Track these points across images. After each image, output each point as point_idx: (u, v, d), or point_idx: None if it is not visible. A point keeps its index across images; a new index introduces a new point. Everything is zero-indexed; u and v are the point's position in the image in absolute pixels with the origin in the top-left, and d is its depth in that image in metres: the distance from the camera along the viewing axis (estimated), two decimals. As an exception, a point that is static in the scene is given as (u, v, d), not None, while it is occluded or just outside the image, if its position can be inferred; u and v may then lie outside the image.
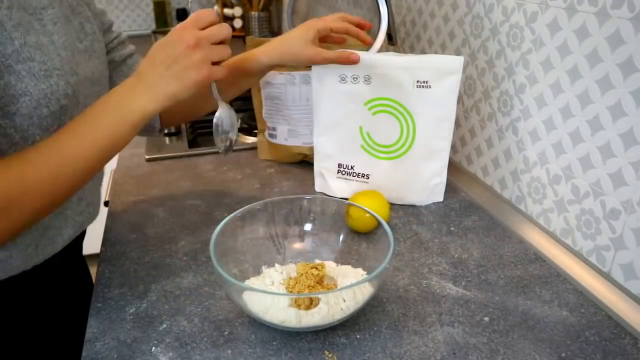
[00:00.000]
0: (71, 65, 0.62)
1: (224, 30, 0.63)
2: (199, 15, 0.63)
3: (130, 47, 0.88)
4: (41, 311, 0.72)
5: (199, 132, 1.26)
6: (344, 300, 0.59)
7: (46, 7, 0.61)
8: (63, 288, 0.77)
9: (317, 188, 0.95)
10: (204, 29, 0.62)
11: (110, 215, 0.86)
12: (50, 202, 0.58)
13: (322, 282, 0.65)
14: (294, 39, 0.79)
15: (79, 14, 0.68)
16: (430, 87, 0.82)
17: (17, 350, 0.68)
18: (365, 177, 0.90)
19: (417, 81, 0.82)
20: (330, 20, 0.82)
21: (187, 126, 1.22)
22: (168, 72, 0.61)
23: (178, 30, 0.62)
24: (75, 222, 0.70)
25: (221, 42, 0.63)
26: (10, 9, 0.55)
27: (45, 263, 0.67)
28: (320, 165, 0.93)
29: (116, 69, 0.82)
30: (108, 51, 0.80)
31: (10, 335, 0.68)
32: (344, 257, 0.71)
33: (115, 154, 0.63)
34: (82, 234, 0.79)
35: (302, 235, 0.74)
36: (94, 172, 0.61)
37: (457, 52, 0.98)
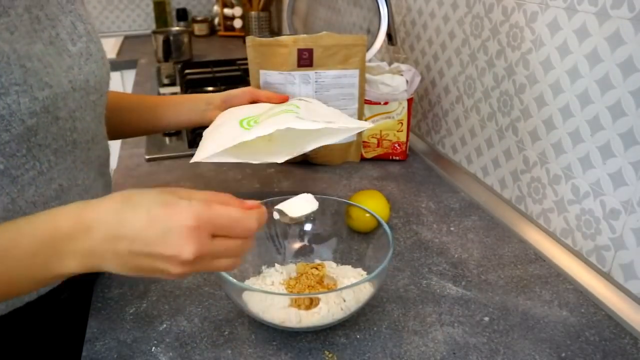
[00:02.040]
0: (40, 77, 0.53)
1: (246, 246, 0.47)
2: (232, 220, 0.45)
3: None
4: (41, 311, 0.72)
5: (199, 132, 1.26)
6: (344, 300, 0.59)
7: None
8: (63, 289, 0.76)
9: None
10: (223, 236, 0.45)
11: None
12: None
13: (322, 282, 0.65)
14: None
15: (69, 12, 0.62)
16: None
17: (17, 349, 0.68)
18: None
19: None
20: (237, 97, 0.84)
21: (187, 126, 1.22)
22: (130, 260, 0.44)
23: (187, 221, 0.43)
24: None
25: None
26: None
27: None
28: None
29: None
30: None
31: (10, 334, 0.67)
32: (344, 257, 0.71)
33: (4, 299, 0.49)
34: None
35: (302, 235, 0.74)
36: None
37: (457, 52, 0.98)
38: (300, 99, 0.84)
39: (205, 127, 0.82)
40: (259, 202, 0.50)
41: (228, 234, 0.46)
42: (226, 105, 0.84)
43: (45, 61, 0.56)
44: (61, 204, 0.62)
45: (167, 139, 1.18)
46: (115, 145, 1.16)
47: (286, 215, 0.63)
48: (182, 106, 0.86)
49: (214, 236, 0.45)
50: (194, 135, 1.19)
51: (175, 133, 1.20)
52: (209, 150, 0.70)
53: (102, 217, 0.44)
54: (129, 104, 0.87)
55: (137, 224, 0.43)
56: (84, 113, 0.63)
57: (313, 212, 0.65)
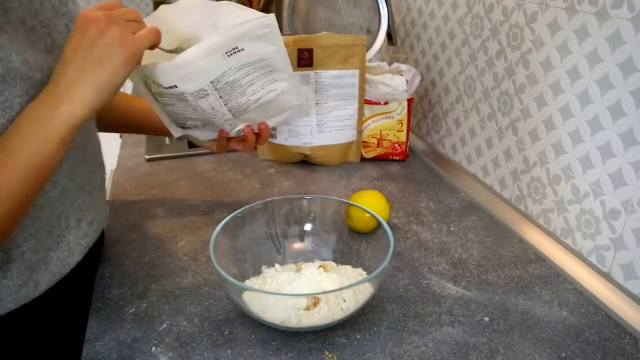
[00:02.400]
0: (42, 87, 0.55)
1: (132, 11, 0.57)
2: (103, 2, 0.56)
3: None
4: (41, 311, 0.72)
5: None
6: (344, 300, 0.59)
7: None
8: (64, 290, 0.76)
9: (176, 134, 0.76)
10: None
11: (110, 215, 0.86)
12: None
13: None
14: None
15: (63, 14, 0.63)
16: (242, 50, 0.67)
17: (17, 349, 0.68)
18: None
19: (226, 52, 0.65)
20: None
21: (187, 126, 1.22)
22: (86, 61, 0.51)
23: (82, 15, 0.53)
24: (80, 245, 0.66)
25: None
26: None
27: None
28: None
29: None
30: None
31: (11, 334, 0.67)
32: (344, 257, 0.71)
33: (48, 177, 0.53)
34: (101, 237, 0.76)
35: (302, 235, 0.74)
36: (29, 201, 0.53)
37: (457, 52, 0.98)
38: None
39: None
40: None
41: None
42: None
43: (48, 70, 0.56)
44: (63, 203, 0.63)
45: (167, 139, 1.18)
46: (115, 145, 1.17)
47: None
48: None
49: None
50: (194, 135, 1.19)
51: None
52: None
53: (57, 68, 0.53)
54: (138, 109, 0.85)
55: (69, 49, 0.53)
56: None
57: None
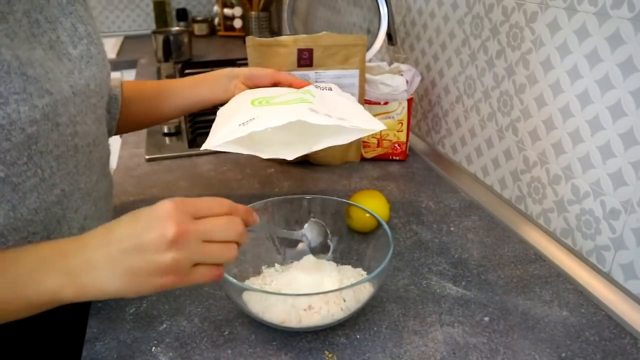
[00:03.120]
0: (40, 85, 0.53)
1: (235, 226, 0.47)
2: (208, 201, 0.47)
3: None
4: (40, 313, 0.72)
5: (199, 132, 1.26)
6: (344, 300, 0.59)
7: None
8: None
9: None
10: (205, 216, 0.46)
11: (111, 213, 0.86)
12: None
13: None
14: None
15: (70, 13, 0.61)
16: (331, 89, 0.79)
17: (17, 349, 0.68)
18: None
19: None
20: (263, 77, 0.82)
21: (187, 126, 1.22)
22: (122, 260, 0.44)
23: (168, 207, 0.45)
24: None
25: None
26: None
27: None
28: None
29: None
30: None
31: (11, 334, 0.67)
32: (344, 257, 0.71)
33: None
34: None
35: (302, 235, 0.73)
36: None
37: (457, 52, 0.98)
38: (318, 86, 0.81)
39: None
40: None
41: (210, 214, 0.47)
42: (250, 83, 0.82)
43: (47, 67, 0.56)
44: (63, 209, 0.62)
45: (167, 139, 1.18)
46: (115, 145, 1.16)
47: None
48: (203, 85, 0.84)
49: (197, 218, 0.46)
50: (194, 135, 1.19)
51: (175, 133, 1.21)
52: (218, 137, 0.69)
53: (95, 232, 0.47)
54: (150, 91, 0.86)
55: (123, 225, 0.46)
56: (85, 117, 0.62)
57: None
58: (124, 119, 0.83)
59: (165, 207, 0.45)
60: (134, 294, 0.46)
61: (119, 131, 0.86)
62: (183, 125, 1.23)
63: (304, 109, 0.67)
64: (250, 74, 0.82)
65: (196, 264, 0.46)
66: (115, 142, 1.18)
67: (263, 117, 0.67)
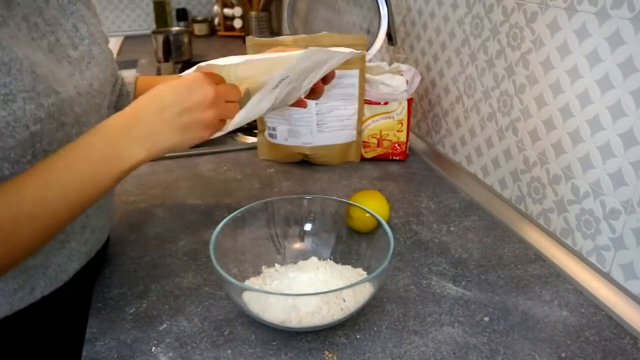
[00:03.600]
0: (49, 84, 0.54)
1: (236, 91, 0.59)
2: (212, 73, 0.58)
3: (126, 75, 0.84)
4: (42, 311, 0.72)
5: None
6: (344, 300, 0.59)
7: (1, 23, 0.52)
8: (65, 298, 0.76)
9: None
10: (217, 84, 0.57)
11: (112, 211, 0.86)
12: (38, 237, 0.53)
13: None
14: None
15: (71, 14, 0.62)
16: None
17: (17, 349, 0.68)
18: None
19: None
20: None
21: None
22: (176, 121, 0.54)
23: (197, 79, 0.55)
24: (80, 253, 0.65)
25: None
26: None
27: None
28: None
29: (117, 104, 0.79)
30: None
31: (11, 334, 0.67)
32: (344, 257, 0.71)
33: (89, 205, 0.55)
34: (106, 244, 0.76)
35: (302, 235, 0.74)
36: (68, 222, 0.54)
37: (457, 52, 0.98)
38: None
39: None
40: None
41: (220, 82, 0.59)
42: None
43: (50, 68, 0.56)
44: None
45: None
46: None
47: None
48: None
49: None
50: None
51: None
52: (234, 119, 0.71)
53: (143, 106, 0.54)
54: None
55: (168, 95, 0.54)
56: (90, 117, 0.62)
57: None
58: None
59: (198, 76, 0.56)
60: (187, 145, 0.56)
61: None
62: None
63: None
64: None
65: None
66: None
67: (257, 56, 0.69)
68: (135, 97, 0.83)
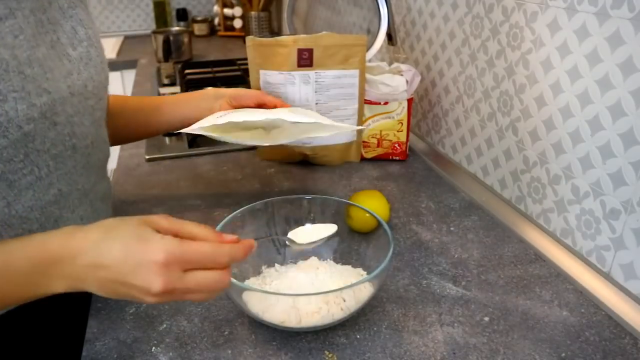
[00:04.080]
0: (39, 84, 0.54)
1: (221, 282, 0.49)
2: (204, 253, 0.48)
3: None
4: (40, 313, 0.72)
5: (199, 132, 1.26)
6: (344, 300, 0.59)
7: (4, 18, 0.52)
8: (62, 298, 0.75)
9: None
10: (196, 268, 0.48)
11: (110, 216, 0.86)
12: None
13: None
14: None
15: (70, 17, 0.62)
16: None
17: (17, 350, 0.68)
18: None
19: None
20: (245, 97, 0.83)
21: (187, 126, 1.22)
22: (108, 287, 0.48)
23: (157, 256, 0.46)
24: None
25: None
26: None
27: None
28: None
29: None
30: None
31: (11, 334, 0.67)
32: (344, 257, 0.71)
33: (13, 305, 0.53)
34: None
35: (302, 235, 0.73)
36: None
37: (457, 52, 0.98)
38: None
39: None
40: (237, 237, 0.51)
41: (200, 268, 0.48)
42: (236, 103, 0.82)
43: (46, 66, 0.56)
44: (60, 208, 0.61)
45: (167, 139, 1.18)
46: (115, 146, 1.16)
47: (295, 242, 0.67)
48: (189, 103, 0.85)
49: (185, 270, 0.48)
50: (194, 135, 1.19)
51: (176, 133, 1.20)
52: (202, 122, 0.76)
53: (86, 247, 0.48)
54: (133, 106, 0.86)
55: (115, 256, 0.47)
56: (83, 118, 0.62)
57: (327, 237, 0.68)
58: (113, 131, 0.82)
59: (156, 259, 0.46)
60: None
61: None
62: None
63: (283, 111, 0.73)
64: (236, 94, 0.83)
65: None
66: (115, 142, 1.19)
67: (241, 113, 0.73)
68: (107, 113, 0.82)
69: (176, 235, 0.48)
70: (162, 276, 0.46)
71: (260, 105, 0.84)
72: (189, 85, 1.49)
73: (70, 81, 0.60)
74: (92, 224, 0.50)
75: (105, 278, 0.47)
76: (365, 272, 0.67)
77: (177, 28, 2.19)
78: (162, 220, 0.50)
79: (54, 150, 0.58)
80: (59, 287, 0.49)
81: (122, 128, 0.83)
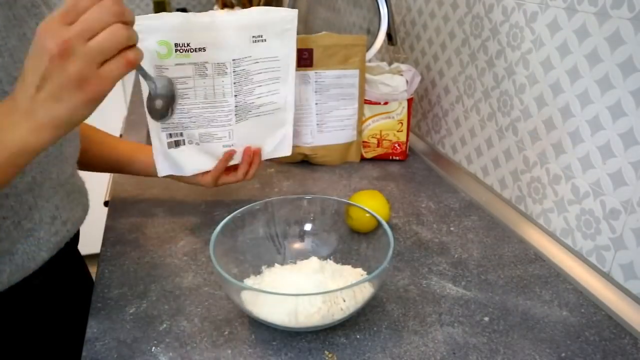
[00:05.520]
0: (10, 72, 0.55)
1: (107, 18, 0.45)
2: (72, 1, 0.45)
3: None
4: (40, 313, 0.72)
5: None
6: (344, 300, 0.59)
7: None
8: (61, 290, 0.76)
9: (161, 172, 0.77)
10: (76, 20, 0.45)
11: (110, 215, 0.86)
12: None
13: None
14: None
15: (35, 15, 0.62)
16: (265, 40, 0.74)
17: (16, 349, 0.68)
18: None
19: (253, 36, 0.72)
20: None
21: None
22: (42, 95, 0.46)
23: (40, 33, 0.45)
24: (50, 243, 0.65)
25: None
26: None
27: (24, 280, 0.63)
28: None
29: None
30: None
31: (10, 335, 0.67)
32: (344, 257, 0.71)
33: None
34: (76, 237, 0.77)
35: (302, 235, 0.74)
36: None
37: (457, 52, 0.98)
38: None
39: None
40: None
41: (81, 14, 0.45)
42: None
43: (16, 56, 0.57)
44: (34, 196, 0.62)
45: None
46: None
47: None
48: (141, 151, 0.83)
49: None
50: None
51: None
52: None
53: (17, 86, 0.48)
54: (107, 154, 0.84)
55: (26, 68, 0.47)
56: None
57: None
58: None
59: (38, 31, 0.45)
60: (79, 113, 0.47)
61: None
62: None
63: None
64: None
65: (104, 62, 0.46)
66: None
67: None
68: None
69: None
70: (48, 35, 0.44)
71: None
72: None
73: None
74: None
75: (29, 84, 0.46)
76: (365, 272, 0.67)
77: (177, 28, 2.19)
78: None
79: None
80: (22, 136, 0.47)
81: (90, 164, 0.82)
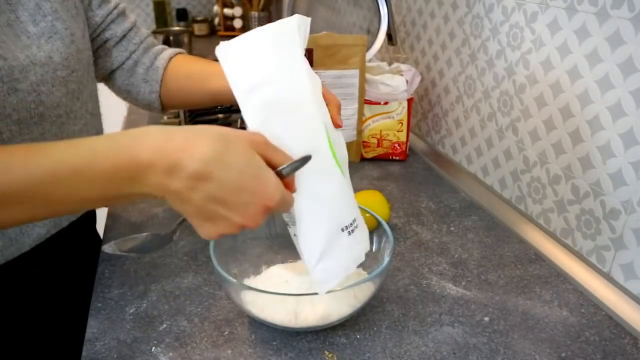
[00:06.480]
0: None
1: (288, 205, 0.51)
2: (285, 202, 0.50)
3: (131, 19, 0.78)
4: (41, 308, 0.72)
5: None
6: (344, 300, 0.58)
7: None
8: (73, 260, 0.75)
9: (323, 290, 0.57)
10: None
11: (110, 215, 0.86)
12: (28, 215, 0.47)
13: None
14: None
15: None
16: None
17: (16, 349, 0.68)
18: None
19: None
20: None
21: (187, 125, 1.22)
22: (198, 204, 0.46)
23: (265, 204, 0.47)
24: (47, 219, 0.64)
25: None
26: None
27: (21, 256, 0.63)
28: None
29: (117, 45, 0.76)
30: (108, 24, 0.74)
31: (10, 335, 0.67)
32: (344, 257, 0.71)
33: (54, 215, 0.50)
34: (92, 216, 0.75)
35: (302, 235, 0.73)
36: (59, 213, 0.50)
37: (457, 52, 0.98)
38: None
39: None
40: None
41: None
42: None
43: (0, 39, 0.56)
44: None
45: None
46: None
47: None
48: None
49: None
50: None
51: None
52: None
53: (189, 162, 0.44)
54: (190, 69, 0.80)
55: (226, 184, 0.45)
56: (52, 88, 0.61)
57: None
58: (167, 93, 0.80)
59: (269, 202, 0.47)
60: (203, 234, 0.50)
61: (167, 106, 0.82)
62: (183, 124, 1.23)
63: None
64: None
65: None
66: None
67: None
68: (164, 74, 0.79)
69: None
70: (262, 219, 0.48)
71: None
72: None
73: (29, 52, 0.59)
74: (193, 132, 0.46)
75: (205, 196, 0.45)
76: (365, 272, 0.67)
77: (177, 28, 2.20)
78: (268, 149, 0.49)
79: (16, 115, 0.58)
80: (144, 191, 0.46)
81: (175, 92, 0.80)
